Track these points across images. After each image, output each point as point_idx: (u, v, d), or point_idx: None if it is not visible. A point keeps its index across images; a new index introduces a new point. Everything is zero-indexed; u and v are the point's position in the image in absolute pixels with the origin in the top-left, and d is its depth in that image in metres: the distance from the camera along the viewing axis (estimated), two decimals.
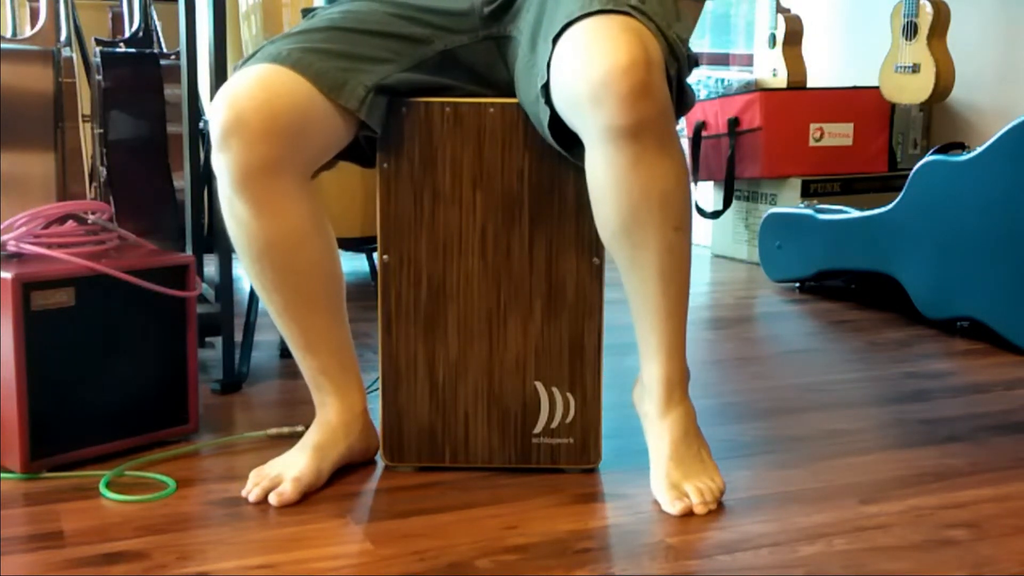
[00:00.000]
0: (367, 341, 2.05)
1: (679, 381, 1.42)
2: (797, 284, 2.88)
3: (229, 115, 1.30)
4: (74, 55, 2.49)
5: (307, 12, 1.51)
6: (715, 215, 3.37)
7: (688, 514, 1.36)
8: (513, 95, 1.43)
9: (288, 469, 1.42)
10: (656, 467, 1.42)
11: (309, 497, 1.41)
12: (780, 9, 3.59)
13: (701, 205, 3.43)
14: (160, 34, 3.49)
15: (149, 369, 1.58)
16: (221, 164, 1.33)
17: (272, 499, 1.38)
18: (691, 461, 1.42)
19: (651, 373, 1.42)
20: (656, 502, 1.39)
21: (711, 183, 3.43)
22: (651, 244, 1.33)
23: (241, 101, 1.30)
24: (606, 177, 1.30)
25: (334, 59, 1.37)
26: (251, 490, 1.40)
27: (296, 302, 1.44)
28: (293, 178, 1.36)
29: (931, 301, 2.41)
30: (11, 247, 1.54)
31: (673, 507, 1.36)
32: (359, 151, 1.46)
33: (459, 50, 1.45)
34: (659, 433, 1.43)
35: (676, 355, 1.42)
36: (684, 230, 1.35)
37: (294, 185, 1.36)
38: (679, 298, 1.39)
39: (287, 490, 1.39)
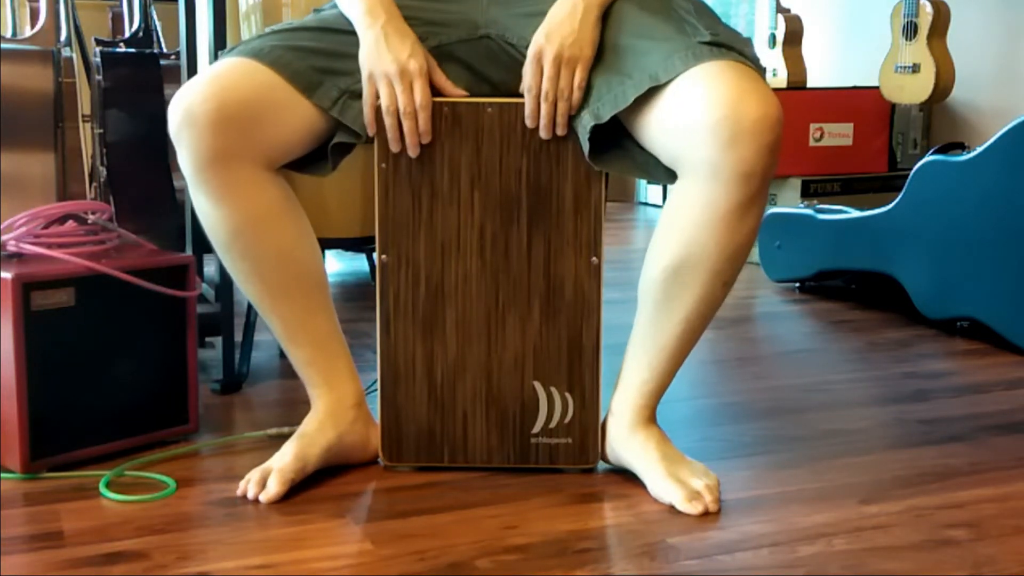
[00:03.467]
0: (367, 341, 2.05)
1: (653, 409, 1.47)
2: (797, 284, 2.88)
3: (180, 111, 1.34)
4: (74, 55, 2.49)
5: (318, 11, 1.52)
6: None
7: (704, 513, 1.36)
8: (507, 93, 1.43)
9: (274, 462, 1.43)
10: (651, 469, 1.42)
11: (308, 496, 1.41)
12: (780, 9, 3.59)
13: None
14: (160, 34, 3.49)
15: (149, 369, 1.58)
16: (180, 158, 1.37)
17: (261, 497, 1.39)
18: (681, 460, 1.43)
19: (628, 398, 1.46)
20: (656, 500, 1.39)
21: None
22: (697, 289, 1.37)
23: (191, 96, 1.34)
24: (699, 213, 1.32)
25: (314, 58, 1.39)
26: (244, 487, 1.41)
27: (270, 291, 1.45)
28: (250, 167, 1.38)
29: (931, 301, 2.41)
30: (11, 247, 1.54)
31: (692, 507, 1.36)
32: (321, 160, 1.45)
33: (456, 46, 1.45)
34: (640, 442, 1.45)
35: (659, 393, 1.47)
36: (730, 286, 1.39)
37: (252, 174, 1.38)
38: (689, 346, 1.44)
39: (272, 487, 1.39)
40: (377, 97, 1.38)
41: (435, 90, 1.40)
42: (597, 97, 1.36)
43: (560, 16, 1.37)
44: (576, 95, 1.37)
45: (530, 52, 1.37)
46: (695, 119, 1.28)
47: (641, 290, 1.43)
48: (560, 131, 1.39)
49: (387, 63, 1.36)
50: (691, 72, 1.29)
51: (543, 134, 1.40)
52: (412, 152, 1.40)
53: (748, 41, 1.39)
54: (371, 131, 1.39)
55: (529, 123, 1.40)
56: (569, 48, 1.36)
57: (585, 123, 1.36)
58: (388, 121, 1.38)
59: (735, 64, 1.31)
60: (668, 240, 1.38)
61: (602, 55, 1.38)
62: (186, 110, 1.34)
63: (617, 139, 1.40)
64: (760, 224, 1.35)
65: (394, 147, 1.40)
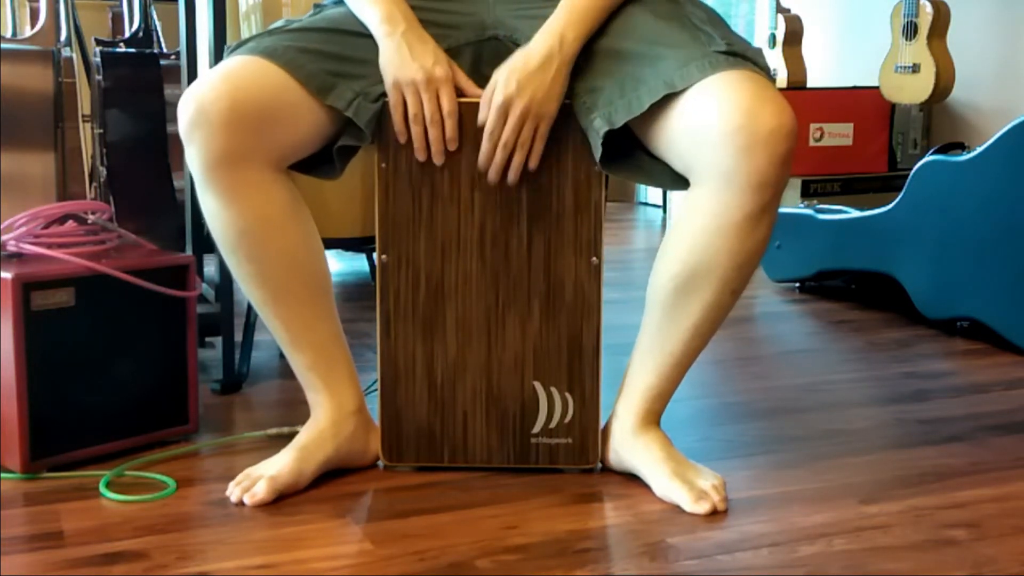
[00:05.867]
0: (367, 341, 2.05)
1: (658, 413, 1.47)
2: (797, 284, 2.88)
3: (192, 108, 1.33)
4: (74, 55, 2.49)
5: (319, 7, 1.51)
6: None
7: (712, 512, 1.36)
8: None
9: (268, 469, 1.42)
10: (656, 470, 1.42)
11: (308, 496, 1.41)
12: (780, 9, 3.59)
13: None
14: (160, 34, 3.49)
15: (149, 369, 1.58)
16: (189, 156, 1.36)
17: (246, 499, 1.38)
18: (685, 462, 1.43)
19: (632, 402, 1.46)
20: (656, 500, 1.40)
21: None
22: (705, 297, 1.37)
23: (204, 94, 1.33)
24: (711, 221, 1.32)
25: (327, 61, 1.38)
26: (232, 490, 1.40)
27: (274, 294, 1.44)
28: (261, 168, 1.37)
29: (931, 301, 2.41)
30: (11, 247, 1.54)
31: (700, 507, 1.36)
32: (325, 160, 1.45)
33: (464, 48, 1.45)
34: (644, 444, 1.45)
35: (664, 398, 1.47)
36: (738, 295, 1.39)
37: (262, 175, 1.37)
38: (696, 353, 1.44)
39: (260, 490, 1.38)
40: (404, 104, 1.38)
41: (457, 91, 1.40)
42: (608, 102, 1.35)
43: (533, 65, 1.35)
44: (537, 146, 1.38)
45: (497, 98, 1.35)
46: (710, 127, 1.28)
47: (649, 296, 1.43)
48: (512, 178, 1.40)
49: (413, 71, 1.36)
50: (707, 81, 1.29)
51: (492, 179, 1.40)
52: (437, 160, 1.40)
53: (759, 51, 1.39)
54: (402, 139, 1.40)
55: (482, 166, 1.40)
56: (539, 104, 1.35)
57: (598, 127, 1.36)
58: (415, 130, 1.38)
59: (751, 74, 1.31)
60: (679, 247, 1.37)
61: (612, 60, 1.38)
62: (198, 108, 1.32)
63: (623, 144, 1.39)
64: (771, 234, 1.35)
65: (421, 155, 1.40)
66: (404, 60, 1.36)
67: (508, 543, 1.28)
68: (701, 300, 1.37)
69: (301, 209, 1.44)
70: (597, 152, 1.37)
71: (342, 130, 1.41)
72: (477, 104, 1.40)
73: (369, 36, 1.40)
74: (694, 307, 1.38)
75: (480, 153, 1.39)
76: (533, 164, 1.40)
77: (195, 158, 1.35)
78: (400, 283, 1.46)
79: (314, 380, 1.49)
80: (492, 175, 1.40)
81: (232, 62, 1.37)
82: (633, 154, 1.41)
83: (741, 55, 1.33)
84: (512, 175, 1.40)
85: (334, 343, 1.50)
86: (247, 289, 1.45)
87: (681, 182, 1.38)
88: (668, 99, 1.32)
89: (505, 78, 1.35)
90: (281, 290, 1.44)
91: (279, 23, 1.46)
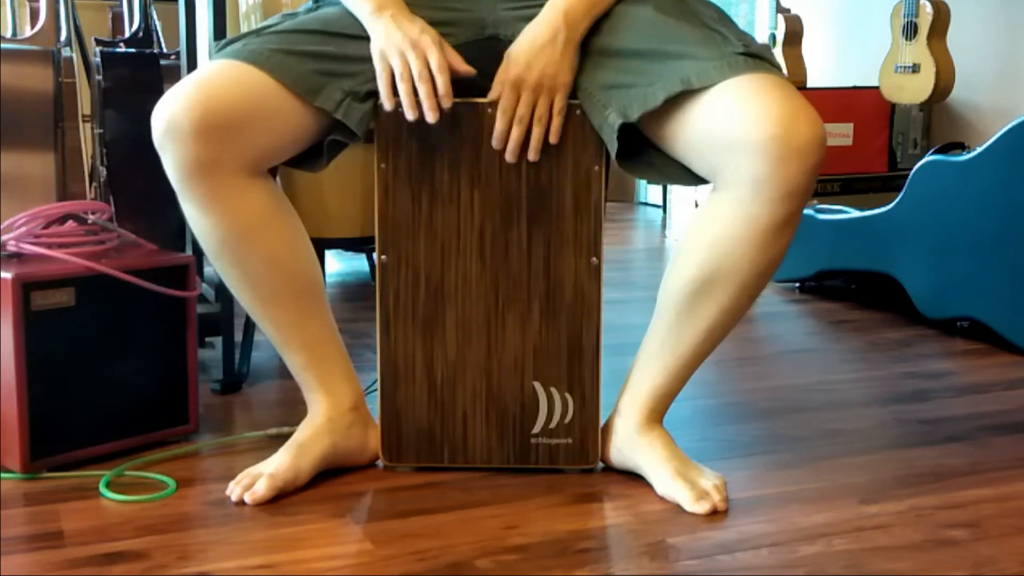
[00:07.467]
0: (367, 341, 2.05)
1: (662, 412, 1.47)
2: (797, 284, 2.88)
3: (163, 119, 1.32)
4: (74, 55, 2.49)
5: (317, 3, 1.50)
6: None
7: (712, 512, 1.36)
8: None
9: (266, 467, 1.42)
10: (659, 469, 1.42)
11: (308, 496, 1.41)
12: (780, 9, 3.59)
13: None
14: (160, 34, 3.49)
15: (149, 369, 1.58)
16: (165, 166, 1.35)
17: (246, 498, 1.38)
18: (688, 461, 1.43)
19: (638, 400, 1.46)
20: (656, 500, 1.40)
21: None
22: (721, 301, 1.36)
23: (175, 103, 1.32)
24: (736, 228, 1.31)
25: (315, 61, 1.37)
26: (233, 489, 1.40)
27: (262, 297, 1.44)
28: (238, 175, 1.36)
29: (931, 301, 2.41)
30: (11, 247, 1.54)
31: (700, 507, 1.36)
32: (315, 156, 1.44)
33: (463, 46, 1.44)
34: (648, 442, 1.45)
35: (670, 397, 1.47)
36: (754, 299, 1.39)
37: (239, 182, 1.36)
38: (706, 355, 1.44)
39: (259, 488, 1.39)
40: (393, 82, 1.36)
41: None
42: (622, 97, 1.34)
43: (540, 42, 1.36)
44: (556, 120, 1.37)
45: (510, 76, 1.35)
46: (742, 135, 1.26)
47: (663, 296, 1.42)
48: (532, 156, 1.39)
49: (399, 39, 1.35)
50: (730, 84, 1.28)
51: (509, 158, 1.39)
52: (431, 117, 1.34)
53: (768, 48, 1.38)
54: (388, 104, 1.36)
55: (496, 144, 1.38)
56: (551, 77, 1.35)
57: (612, 122, 1.34)
58: (402, 88, 1.35)
59: (777, 79, 1.29)
60: (699, 251, 1.36)
61: (623, 58, 1.37)
62: (170, 118, 1.31)
63: (636, 144, 1.38)
64: (791, 241, 1.34)
65: (411, 113, 1.35)
66: (390, 33, 1.35)
67: (508, 543, 1.28)
68: (717, 304, 1.37)
69: (284, 210, 1.43)
70: (612, 146, 1.35)
71: (327, 129, 1.40)
72: (475, 104, 1.40)
73: (361, 38, 1.39)
74: (710, 310, 1.37)
75: (495, 131, 1.38)
76: (554, 138, 1.38)
77: (170, 167, 1.34)
78: (400, 283, 1.46)
79: (309, 379, 1.49)
80: (510, 155, 1.38)
81: (209, 68, 1.36)
82: (646, 153, 1.40)
83: (759, 57, 1.32)
84: (532, 153, 1.38)
85: (328, 342, 1.50)
86: (235, 293, 1.45)
87: (697, 178, 1.38)
88: (685, 99, 1.31)
89: (515, 56, 1.36)
90: (268, 293, 1.43)
91: (272, 20, 1.45)
